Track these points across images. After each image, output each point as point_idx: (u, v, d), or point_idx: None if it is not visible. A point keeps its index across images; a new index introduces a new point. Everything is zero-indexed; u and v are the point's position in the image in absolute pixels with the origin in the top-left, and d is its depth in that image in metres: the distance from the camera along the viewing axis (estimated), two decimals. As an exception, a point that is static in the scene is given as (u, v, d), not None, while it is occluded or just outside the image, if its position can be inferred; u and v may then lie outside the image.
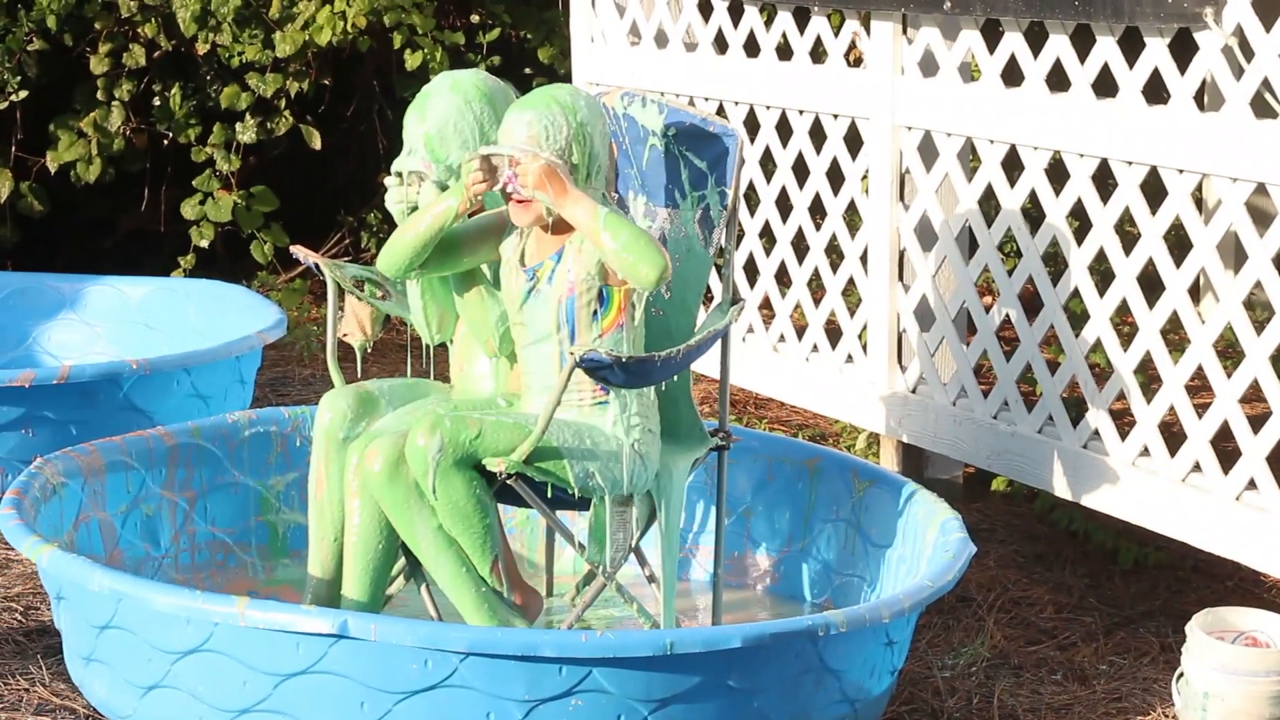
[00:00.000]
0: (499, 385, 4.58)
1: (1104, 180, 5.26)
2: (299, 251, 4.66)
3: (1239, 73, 4.74)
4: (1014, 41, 5.24)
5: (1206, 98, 7.00)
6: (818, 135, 6.14)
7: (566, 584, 5.03)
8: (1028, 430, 5.28)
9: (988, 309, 5.48)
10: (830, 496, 5.00)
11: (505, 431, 4.17)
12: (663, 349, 4.38)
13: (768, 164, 6.64)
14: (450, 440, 4.13)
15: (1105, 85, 5.09)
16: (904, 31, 5.60)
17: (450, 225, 4.28)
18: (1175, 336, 6.28)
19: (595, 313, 4.27)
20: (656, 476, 4.37)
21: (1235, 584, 5.27)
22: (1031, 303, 5.51)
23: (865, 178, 5.89)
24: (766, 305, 7.17)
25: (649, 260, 4.10)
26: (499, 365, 4.57)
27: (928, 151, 5.63)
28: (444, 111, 4.48)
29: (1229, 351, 7.01)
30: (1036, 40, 5.33)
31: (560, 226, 4.29)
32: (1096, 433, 5.10)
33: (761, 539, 5.13)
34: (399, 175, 4.51)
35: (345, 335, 4.74)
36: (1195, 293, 7.16)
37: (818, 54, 6.42)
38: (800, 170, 6.16)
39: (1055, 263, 6.71)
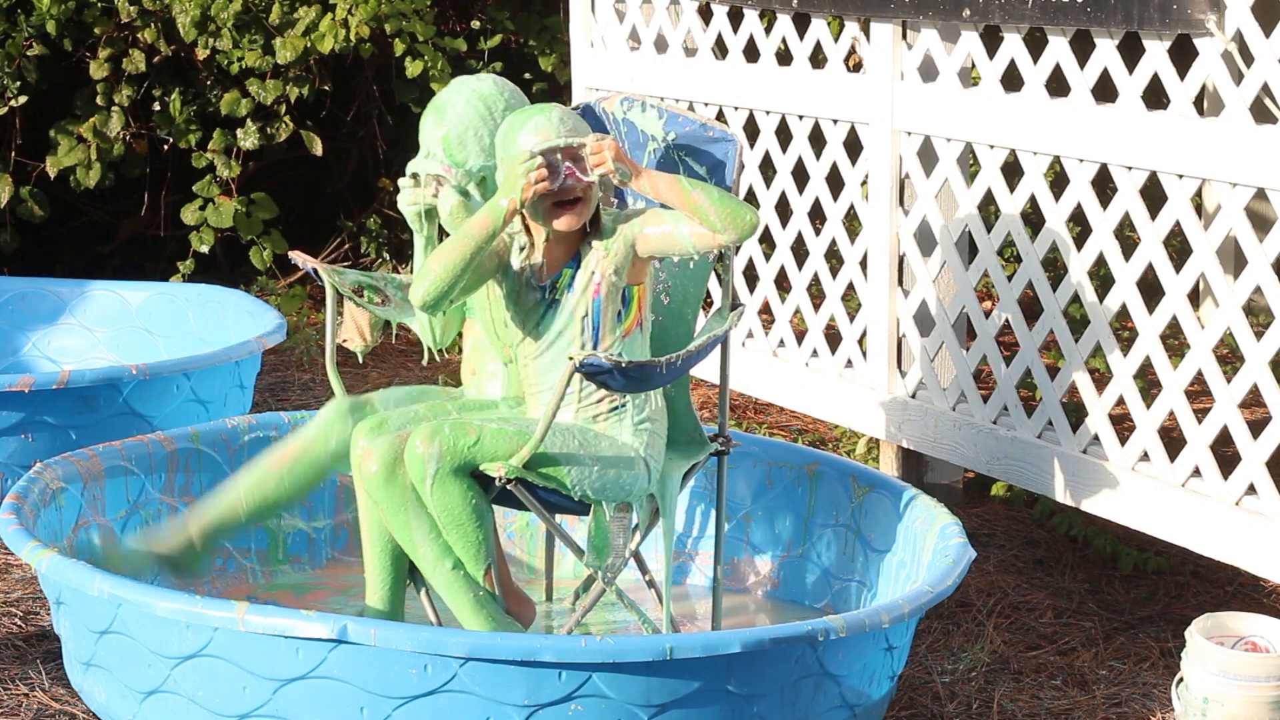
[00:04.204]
0: (510, 389, 4.58)
1: (1104, 185, 5.27)
2: (298, 257, 4.66)
3: (1239, 78, 4.74)
4: (1014, 46, 5.24)
5: (1206, 103, 7.00)
6: (817, 140, 6.14)
7: (566, 589, 5.03)
8: (1027, 435, 5.28)
9: (987, 314, 5.48)
10: (830, 501, 5.00)
11: (504, 438, 4.16)
12: (663, 354, 4.38)
13: (767, 169, 6.64)
14: (448, 448, 4.12)
15: (1105, 90, 5.09)
16: (903, 36, 5.60)
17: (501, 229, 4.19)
18: (1175, 341, 6.27)
19: (619, 314, 4.28)
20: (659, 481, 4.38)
21: (1235, 589, 5.27)
22: (1031, 308, 5.52)
23: (865, 183, 5.90)
24: (766, 310, 7.17)
25: (745, 207, 4.17)
26: (511, 369, 4.57)
27: (927, 156, 5.63)
28: (465, 116, 4.47)
29: (1229, 356, 7.01)
30: (1036, 45, 5.33)
31: (569, 237, 4.29)
32: (1096, 438, 5.10)
33: (761, 544, 5.13)
34: (414, 177, 4.49)
35: (344, 341, 4.74)
36: (1195, 298, 7.16)
37: (817, 59, 6.42)
38: (800, 175, 6.16)
39: (1055, 268, 6.71)
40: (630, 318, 4.30)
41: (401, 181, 4.51)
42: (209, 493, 4.62)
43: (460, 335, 4.78)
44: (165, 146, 8.29)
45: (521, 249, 4.32)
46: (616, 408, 4.30)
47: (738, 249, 6.36)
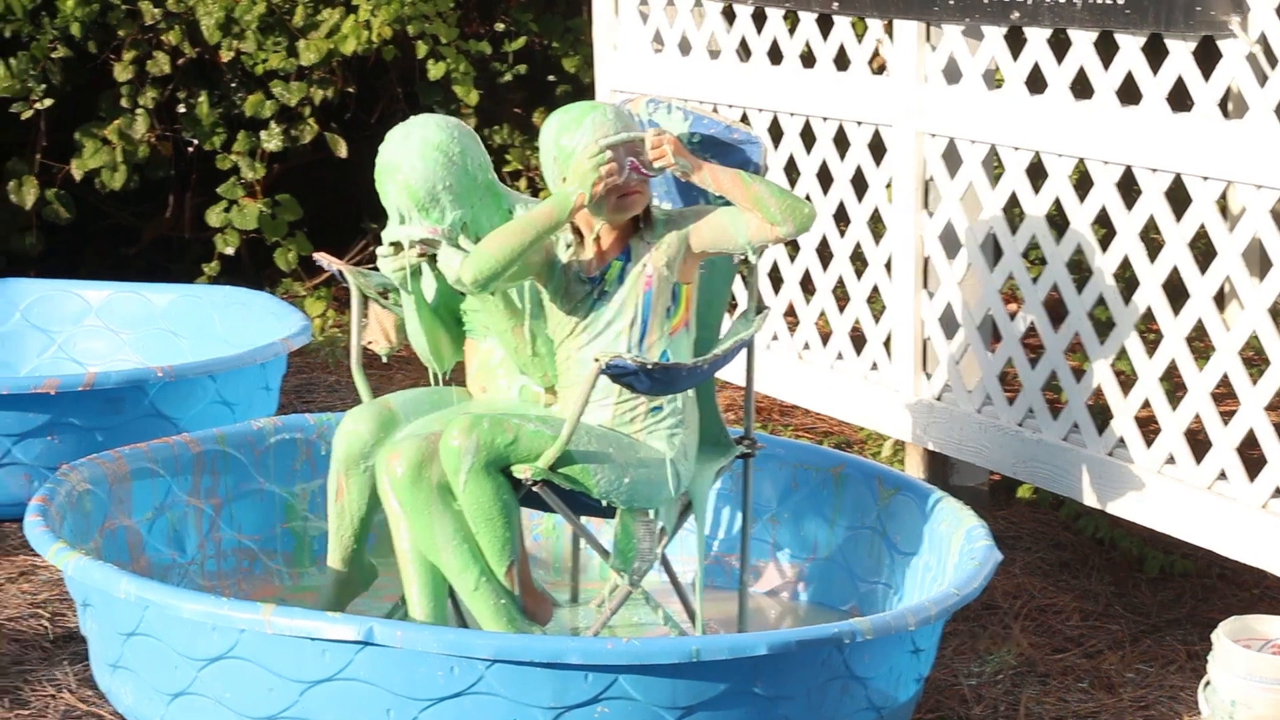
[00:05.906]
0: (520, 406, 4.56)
1: (1128, 188, 5.25)
2: (323, 258, 4.66)
3: (1263, 80, 4.73)
4: (1038, 49, 5.23)
5: (1230, 105, 6.98)
6: (841, 142, 6.14)
7: (592, 591, 5.03)
8: (1053, 438, 5.28)
9: (1012, 316, 5.48)
10: (856, 504, 5.00)
11: (541, 440, 4.16)
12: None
13: (791, 171, 6.63)
14: (485, 443, 4.13)
15: (1129, 92, 5.08)
16: (927, 38, 5.60)
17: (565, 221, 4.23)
18: (1200, 344, 6.25)
19: (668, 310, 4.29)
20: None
21: (1261, 592, 5.26)
22: (1056, 310, 5.50)
23: (889, 185, 5.89)
24: (791, 312, 7.17)
25: (803, 201, 4.24)
26: (525, 392, 4.55)
27: (951, 159, 5.62)
28: (425, 171, 4.37)
29: (1254, 359, 6.99)
30: (1060, 47, 5.32)
31: (619, 231, 4.30)
32: (1122, 440, 5.09)
33: (787, 546, 5.13)
34: (394, 245, 4.38)
35: (370, 343, 4.74)
36: (1220, 300, 7.14)
37: (841, 61, 6.42)
38: (824, 177, 6.16)
39: (1080, 270, 6.70)
40: (678, 316, 4.31)
41: (380, 251, 4.41)
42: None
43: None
44: (190, 149, 8.31)
45: (568, 246, 4.34)
46: (654, 410, 4.29)
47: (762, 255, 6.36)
